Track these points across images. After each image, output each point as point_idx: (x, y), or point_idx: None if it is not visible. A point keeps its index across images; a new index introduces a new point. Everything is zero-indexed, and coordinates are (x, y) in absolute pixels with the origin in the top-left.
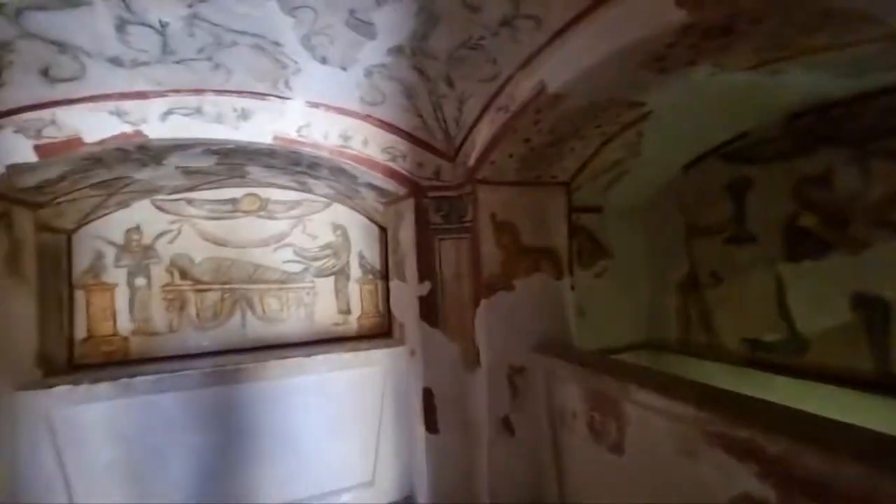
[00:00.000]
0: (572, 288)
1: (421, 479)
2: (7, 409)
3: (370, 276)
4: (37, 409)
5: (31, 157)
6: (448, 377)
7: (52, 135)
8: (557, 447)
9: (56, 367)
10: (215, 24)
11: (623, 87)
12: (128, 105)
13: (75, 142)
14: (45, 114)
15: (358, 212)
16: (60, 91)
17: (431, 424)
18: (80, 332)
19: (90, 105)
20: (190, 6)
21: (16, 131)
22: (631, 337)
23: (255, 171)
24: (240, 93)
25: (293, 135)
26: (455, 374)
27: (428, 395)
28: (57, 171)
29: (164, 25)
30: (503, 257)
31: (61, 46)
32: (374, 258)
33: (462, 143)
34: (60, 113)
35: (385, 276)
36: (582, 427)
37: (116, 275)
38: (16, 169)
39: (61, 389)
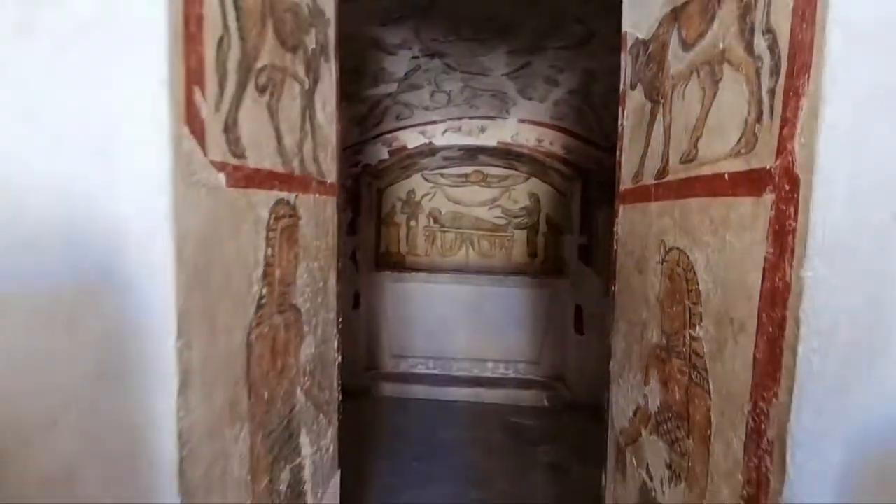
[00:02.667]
0: None
1: (570, 364)
2: (369, 281)
3: (553, 231)
4: (377, 282)
5: (386, 156)
6: (593, 299)
7: (395, 145)
8: None
9: (377, 265)
10: (475, 88)
11: None
12: (428, 128)
13: (404, 148)
14: (393, 135)
15: (547, 184)
16: (400, 124)
17: (579, 328)
18: (382, 249)
19: (412, 130)
20: (464, 82)
21: (382, 144)
22: None
23: (482, 158)
24: (481, 118)
25: (509, 140)
26: (598, 297)
27: (578, 309)
28: (391, 162)
29: (450, 91)
30: None
31: (405, 105)
32: (556, 218)
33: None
34: (400, 134)
35: (563, 231)
36: None
37: (400, 218)
38: (380, 161)
39: (384, 274)
